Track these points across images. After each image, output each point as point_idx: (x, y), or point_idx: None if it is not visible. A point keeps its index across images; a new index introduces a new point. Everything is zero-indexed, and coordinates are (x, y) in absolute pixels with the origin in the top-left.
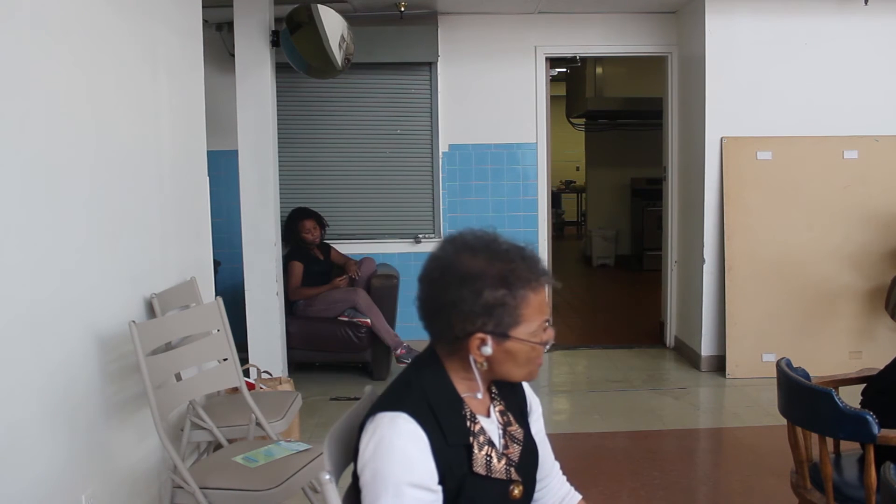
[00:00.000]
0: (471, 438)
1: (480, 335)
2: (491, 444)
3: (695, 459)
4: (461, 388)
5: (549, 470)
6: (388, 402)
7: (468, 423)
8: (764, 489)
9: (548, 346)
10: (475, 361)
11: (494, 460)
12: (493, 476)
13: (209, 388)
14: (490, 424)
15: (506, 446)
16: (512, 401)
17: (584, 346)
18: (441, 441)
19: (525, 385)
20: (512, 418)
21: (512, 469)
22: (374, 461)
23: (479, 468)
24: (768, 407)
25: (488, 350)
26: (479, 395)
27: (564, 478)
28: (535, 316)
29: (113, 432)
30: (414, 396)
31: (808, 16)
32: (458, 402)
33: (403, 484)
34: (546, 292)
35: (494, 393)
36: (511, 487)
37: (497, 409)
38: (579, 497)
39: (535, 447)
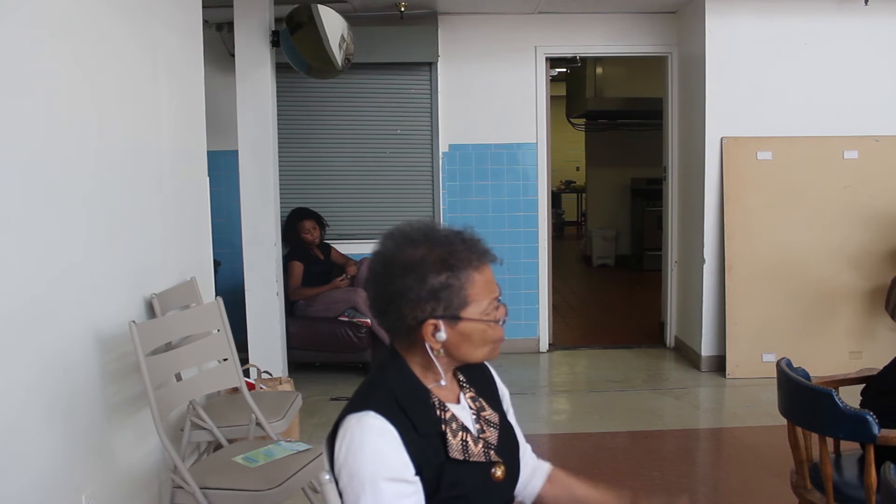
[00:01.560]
0: (443, 426)
1: (432, 321)
2: (465, 429)
3: (695, 459)
4: (426, 379)
5: (523, 452)
6: (354, 405)
7: (438, 412)
8: (764, 489)
9: (502, 322)
10: (432, 349)
11: (471, 444)
12: (471, 460)
13: (209, 388)
14: (461, 411)
15: (482, 430)
16: (482, 387)
17: (584, 346)
18: (412, 432)
19: (494, 373)
20: (485, 403)
21: (491, 451)
22: (348, 462)
23: (456, 454)
24: (768, 407)
25: (442, 335)
26: (443, 383)
27: (533, 454)
28: (483, 294)
29: (113, 432)
30: (379, 394)
31: (808, 16)
32: (425, 392)
33: (380, 479)
34: (490, 271)
35: (463, 381)
36: (493, 469)
37: (468, 395)
38: (548, 465)
39: (513, 430)
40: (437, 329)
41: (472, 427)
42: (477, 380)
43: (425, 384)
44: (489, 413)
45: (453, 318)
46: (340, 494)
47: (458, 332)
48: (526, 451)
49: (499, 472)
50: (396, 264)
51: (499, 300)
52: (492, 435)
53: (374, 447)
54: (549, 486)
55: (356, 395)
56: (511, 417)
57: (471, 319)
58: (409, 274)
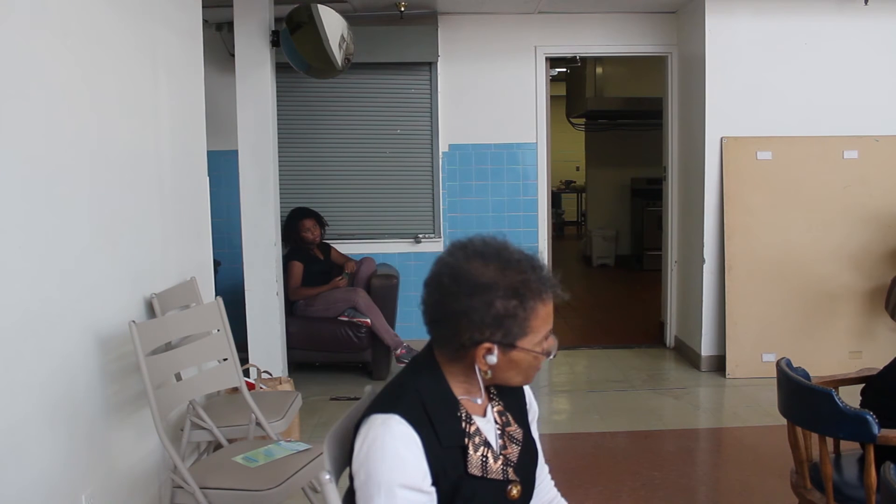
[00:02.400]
0: (466, 440)
1: (487, 345)
2: (487, 444)
3: (695, 459)
4: (458, 390)
5: (540, 472)
6: (381, 404)
7: (463, 425)
8: (764, 489)
9: (553, 355)
10: (479, 370)
11: (490, 461)
12: (489, 477)
13: (209, 388)
14: (486, 425)
15: (504, 447)
16: (511, 401)
17: (584, 346)
18: (434, 443)
19: (527, 389)
20: (511, 418)
21: (510, 469)
22: (367, 463)
23: (475, 469)
24: (768, 407)
25: (493, 359)
26: (479, 401)
27: (552, 482)
28: (542, 327)
29: (113, 432)
30: (408, 398)
31: (808, 16)
32: (455, 404)
33: (396, 485)
34: (552, 304)
35: (493, 394)
36: (509, 487)
37: (495, 409)
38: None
39: (535, 447)
40: (489, 352)
41: (495, 443)
42: (507, 393)
43: (456, 395)
44: (514, 428)
45: (509, 346)
46: (354, 490)
47: (509, 359)
48: (544, 476)
49: (514, 490)
50: (465, 281)
51: (551, 332)
52: (513, 452)
53: (396, 453)
54: None
55: (385, 393)
56: (535, 432)
57: (525, 349)
58: (478, 295)
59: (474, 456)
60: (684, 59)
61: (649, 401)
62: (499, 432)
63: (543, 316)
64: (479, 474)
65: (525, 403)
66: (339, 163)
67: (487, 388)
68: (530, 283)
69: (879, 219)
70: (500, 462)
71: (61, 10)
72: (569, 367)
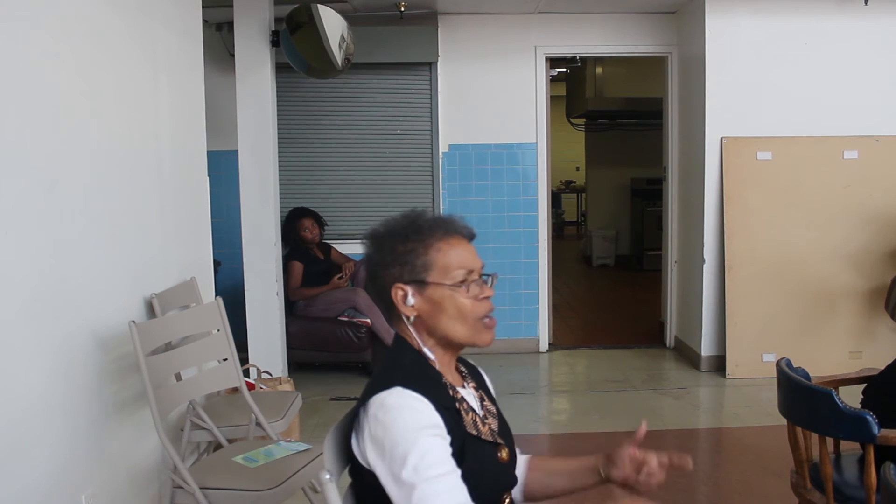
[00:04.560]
0: (457, 404)
1: (400, 285)
2: (473, 410)
3: (695, 459)
4: (433, 363)
5: None
6: (377, 386)
7: (450, 392)
8: (764, 489)
9: (483, 297)
10: (406, 317)
11: (479, 424)
12: (482, 438)
13: (209, 388)
14: (468, 395)
15: (485, 417)
16: (479, 381)
17: (584, 346)
18: (437, 404)
19: (485, 376)
20: (484, 395)
21: (495, 435)
22: (389, 432)
23: (471, 429)
24: (768, 407)
25: (411, 300)
26: (429, 353)
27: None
28: (453, 261)
29: (113, 432)
30: (399, 374)
31: (808, 16)
32: (437, 374)
33: (421, 429)
34: (465, 246)
35: (464, 371)
36: (499, 451)
37: (470, 385)
38: (525, 456)
39: (506, 421)
40: (406, 294)
41: (479, 411)
42: (472, 373)
43: (435, 367)
44: (489, 404)
45: (418, 282)
46: (378, 474)
47: (429, 300)
48: None
49: (503, 453)
50: (377, 242)
51: (484, 278)
52: (493, 423)
53: (411, 407)
54: (531, 473)
55: (373, 381)
56: None
57: (436, 284)
58: (383, 243)
59: (467, 418)
60: (684, 60)
61: (649, 401)
62: (479, 404)
63: (449, 251)
64: (475, 433)
65: (489, 389)
66: (339, 163)
67: (457, 367)
68: (428, 224)
69: (879, 219)
70: (487, 426)
71: (61, 10)
72: (569, 367)
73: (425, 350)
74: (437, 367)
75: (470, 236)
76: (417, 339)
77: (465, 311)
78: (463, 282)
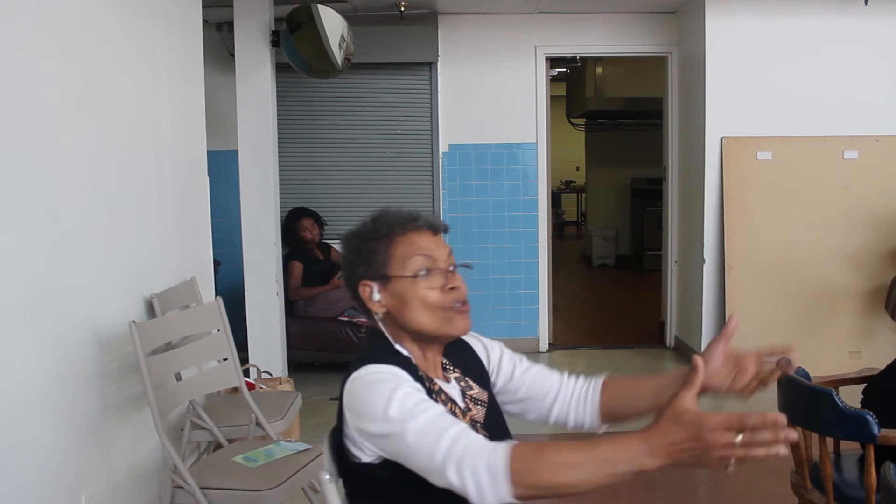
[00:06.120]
0: (434, 396)
1: (365, 282)
2: (452, 401)
3: None
4: (409, 359)
5: (556, 384)
6: (347, 375)
7: (427, 384)
8: (764, 489)
9: (449, 287)
10: (374, 312)
11: (460, 415)
12: None
13: (209, 388)
14: (449, 388)
15: (468, 409)
16: (467, 366)
17: (584, 346)
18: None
19: (477, 344)
20: (471, 382)
21: (478, 426)
22: (363, 399)
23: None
24: (768, 407)
25: (377, 296)
26: (402, 350)
27: (573, 377)
28: (411, 252)
29: (113, 432)
30: (369, 360)
31: (808, 16)
32: (412, 365)
33: (395, 385)
34: (427, 237)
35: (446, 363)
36: None
37: (452, 376)
38: (600, 379)
39: (499, 409)
40: (371, 290)
41: (460, 402)
42: (459, 360)
43: (413, 361)
44: (476, 391)
45: (381, 276)
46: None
47: (393, 294)
48: (563, 382)
49: None
50: (344, 241)
51: (452, 269)
52: (478, 412)
53: (383, 371)
54: (607, 396)
55: (347, 371)
56: (519, 365)
57: (397, 277)
58: (351, 244)
59: (445, 408)
60: (684, 60)
61: None
62: (461, 396)
63: (408, 243)
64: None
65: (482, 364)
66: (339, 163)
67: (443, 365)
68: (388, 222)
69: (879, 219)
70: (467, 418)
71: (61, 10)
72: (569, 368)
73: (397, 346)
74: (414, 361)
75: (436, 230)
76: (390, 337)
77: (430, 301)
78: (427, 272)
